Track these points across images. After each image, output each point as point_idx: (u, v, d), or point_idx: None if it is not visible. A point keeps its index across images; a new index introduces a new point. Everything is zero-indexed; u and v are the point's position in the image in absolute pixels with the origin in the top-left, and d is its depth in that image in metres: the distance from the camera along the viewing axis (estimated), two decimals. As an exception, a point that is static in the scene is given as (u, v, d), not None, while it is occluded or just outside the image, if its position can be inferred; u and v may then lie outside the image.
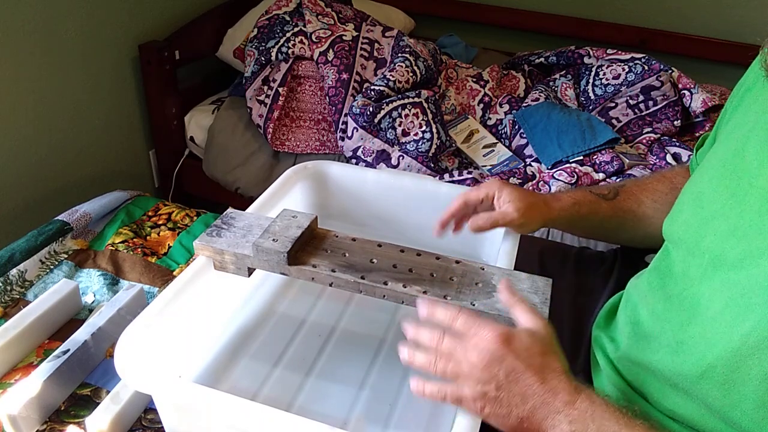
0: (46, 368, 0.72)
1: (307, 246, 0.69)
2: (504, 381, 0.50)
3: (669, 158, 1.41)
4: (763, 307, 0.47)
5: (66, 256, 1.00)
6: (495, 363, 0.50)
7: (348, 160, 1.48)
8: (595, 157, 1.40)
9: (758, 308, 0.48)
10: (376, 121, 1.43)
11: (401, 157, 1.42)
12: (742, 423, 0.50)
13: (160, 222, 1.11)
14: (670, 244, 0.64)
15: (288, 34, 1.61)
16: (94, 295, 0.92)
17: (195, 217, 1.12)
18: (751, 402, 0.49)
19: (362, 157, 1.44)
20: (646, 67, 1.59)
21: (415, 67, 1.55)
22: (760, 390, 0.48)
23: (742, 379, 0.49)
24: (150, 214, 1.14)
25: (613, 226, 0.81)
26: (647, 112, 1.55)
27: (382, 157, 1.43)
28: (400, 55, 1.57)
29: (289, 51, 1.59)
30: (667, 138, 1.49)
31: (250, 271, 0.69)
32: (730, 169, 0.57)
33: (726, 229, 0.54)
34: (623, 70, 1.61)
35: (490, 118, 1.60)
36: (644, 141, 1.48)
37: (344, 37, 1.60)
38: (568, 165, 1.39)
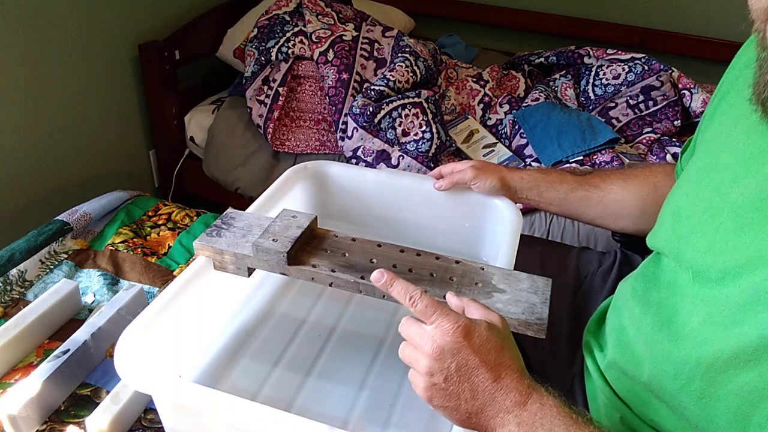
0: (46, 368, 0.72)
1: (307, 246, 0.69)
2: (454, 374, 0.48)
3: (669, 158, 1.41)
4: (738, 326, 0.47)
5: (66, 256, 1.00)
6: (447, 355, 0.48)
7: (348, 160, 1.48)
8: (595, 157, 1.40)
9: (733, 327, 0.47)
10: (376, 121, 1.43)
11: (401, 157, 1.42)
12: None
13: (160, 222, 1.11)
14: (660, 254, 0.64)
15: (288, 34, 1.61)
16: (94, 295, 0.92)
17: (195, 217, 1.12)
18: (724, 417, 0.48)
19: (362, 157, 1.44)
20: (646, 67, 1.59)
21: (415, 67, 1.55)
22: (733, 406, 0.47)
23: (717, 394, 0.49)
24: (150, 214, 1.14)
25: (580, 197, 0.83)
26: (647, 112, 1.55)
27: (382, 157, 1.43)
28: (400, 55, 1.57)
29: (289, 51, 1.59)
30: (667, 138, 1.49)
31: (250, 271, 0.69)
32: (705, 182, 0.56)
33: (704, 245, 0.53)
34: (623, 70, 1.61)
35: (490, 118, 1.60)
36: (644, 141, 1.48)
37: (344, 37, 1.60)
38: (568, 165, 1.39)
